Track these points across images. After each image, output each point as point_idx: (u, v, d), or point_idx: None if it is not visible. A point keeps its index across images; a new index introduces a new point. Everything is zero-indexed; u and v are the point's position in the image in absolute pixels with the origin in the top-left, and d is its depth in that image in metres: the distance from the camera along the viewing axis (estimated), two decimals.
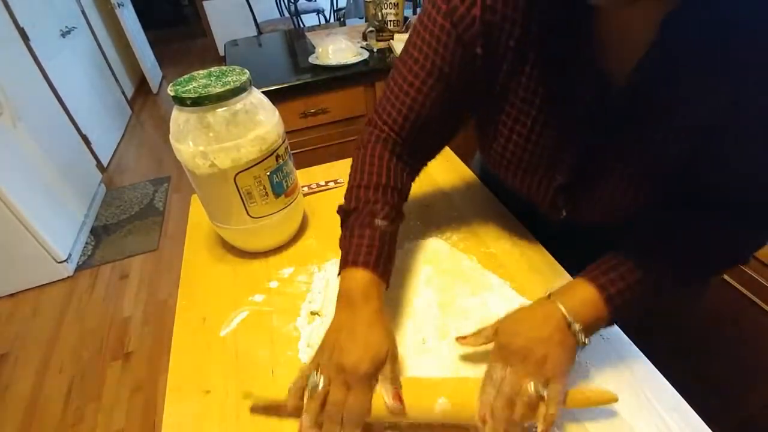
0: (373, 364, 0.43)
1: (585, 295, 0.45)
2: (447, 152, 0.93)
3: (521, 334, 0.44)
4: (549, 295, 0.47)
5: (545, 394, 0.40)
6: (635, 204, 0.50)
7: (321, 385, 0.43)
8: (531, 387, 0.41)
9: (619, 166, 0.48)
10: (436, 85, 0.50)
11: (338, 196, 0.60)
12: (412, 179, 0.60)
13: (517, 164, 0.55)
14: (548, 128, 0.49)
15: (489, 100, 0.52)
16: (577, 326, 0.43)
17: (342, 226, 0.54)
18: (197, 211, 0.80)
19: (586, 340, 0.43)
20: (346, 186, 0.57)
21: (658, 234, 0.47)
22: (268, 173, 0.61)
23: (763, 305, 0.89)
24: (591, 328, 0.44)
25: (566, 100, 0.47)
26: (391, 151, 0.56)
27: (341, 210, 0.55)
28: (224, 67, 0.61)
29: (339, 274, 0.49)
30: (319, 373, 0.44)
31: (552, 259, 0.64)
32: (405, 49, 0.53)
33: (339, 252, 0.51)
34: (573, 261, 0.60)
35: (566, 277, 0.61)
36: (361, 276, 0.47)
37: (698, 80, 0.39)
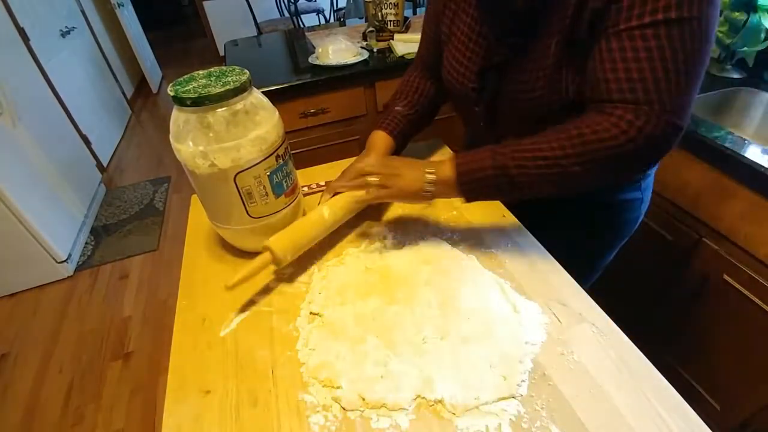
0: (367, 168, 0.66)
1: (445, 162, 0.61)
2: (447, 153, 0.93)
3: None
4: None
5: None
6: (537, 100, 0.61)
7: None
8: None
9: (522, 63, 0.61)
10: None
11: None
12: (435, 84, 0.82)
13: (453, 60, 0.71)
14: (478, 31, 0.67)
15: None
16: (430, 177, 0.60)
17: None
18: (197, 211, 0.80)
19: (430, 188, 0.60)
20: None
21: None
22: (268, 173, 0.61)
23: (763, 305, 0.89)
24: (441, 183, 0.60)
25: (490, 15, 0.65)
26: (415, 70, 0.84)
27: (383, 106, 0.84)
28: (224, 67, 0.61)
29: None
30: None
31: (552, 259, 0.65)
32: None
33: (339, 253, 0.60)
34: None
35: (566, 277, 0.61)
36: (378, 135, 0.77)
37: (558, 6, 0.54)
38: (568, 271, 0.62)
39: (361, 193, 0.65)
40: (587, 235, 0.80)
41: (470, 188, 0.59)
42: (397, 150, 0.79)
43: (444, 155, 0.92)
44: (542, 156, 0.53)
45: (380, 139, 0.76)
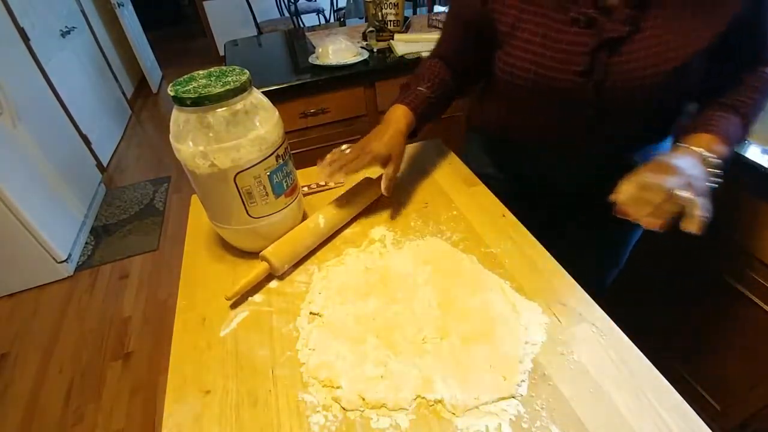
0: (384, 150, 0.68)
1: (709, 139, 0.60)
2: (447, 152, 0.93)
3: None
4: (679, 147, 0.60)
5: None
6: (662, 76, 0.59)
7: (344, 148, 0.69)
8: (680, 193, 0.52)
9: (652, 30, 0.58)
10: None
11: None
12: (455, 76, 0.80)
13: (537, 62, 0.64)
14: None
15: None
16: (709, 157, 0.58)
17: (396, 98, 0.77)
18: (197, 211, 0.80)
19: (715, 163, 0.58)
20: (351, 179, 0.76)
21: (723, 97, 0.64)
22: (268, 173, 0.61)
23: (763, 305, 0.89)
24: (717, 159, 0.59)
25: None
26: (435, 59, 0.80)
27: (399, 87, 0.79)
28: (224, 67, 0.61)
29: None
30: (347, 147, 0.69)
31: (552, 258, 0.65)
32: None
33: (339, 253, 0.53)
34: (581, 234, 0.77)
35: (566, 277, 0.61)
36: (399, 109, 0.73)
37: None
38: (595, 264, 0.65)
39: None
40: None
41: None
42: (414, 132, 0.77)
43: (444, 156, 0.92)
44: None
45: (402, 115, 0.73)
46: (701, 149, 0.58)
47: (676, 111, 0.71)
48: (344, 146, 0.69)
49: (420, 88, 0.76)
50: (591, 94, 0.63)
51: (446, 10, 0.77)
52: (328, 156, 0.69)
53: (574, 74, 0.62)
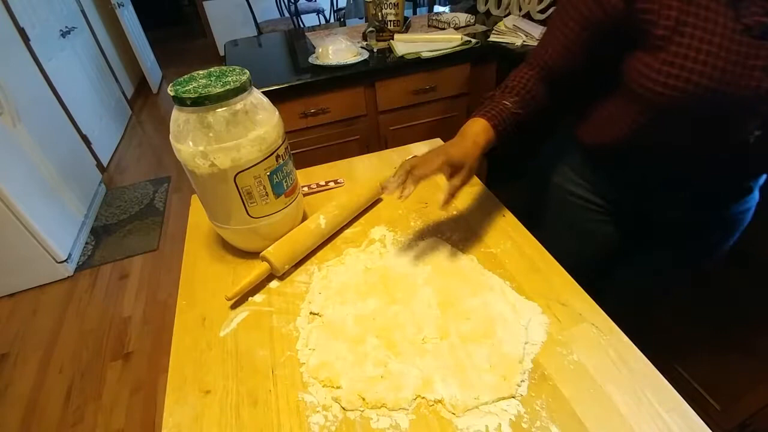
0: (460, 155, 0.60)
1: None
2: None
3: None
4: None
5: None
6: None
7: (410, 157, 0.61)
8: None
9: None
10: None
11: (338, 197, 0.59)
12: (552, 89, 0.69)
13: (707, 74, 0.52)
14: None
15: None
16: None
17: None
18: (197, 211, 0.80)
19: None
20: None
21: None
22: (268, 173, 0.61)
23: (763, 305, 0.89)
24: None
25: None
26: (531, 69, 0.68)
27: (485, 98, 0.70)
28: (224, 67, 0.61)
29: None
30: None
31: (552, 259, 0.64)
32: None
33: (339, 253, 0.52)
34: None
35: (566, 278, 0.61)
36: (479, 122, 0.64)
37: None
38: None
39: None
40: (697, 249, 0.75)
41: None
42: (494, 149, 0.67)
43: None
44: None
45: (482, 130, 0.63)
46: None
47: None
48: (410, 156, 0.63)
49: (506, 102, 0.66)
50: (760, 115, 0.53)
51: (444, 9, 0.72)
52: (393, 176, 0.61)
53: (747, 91, 0.51)
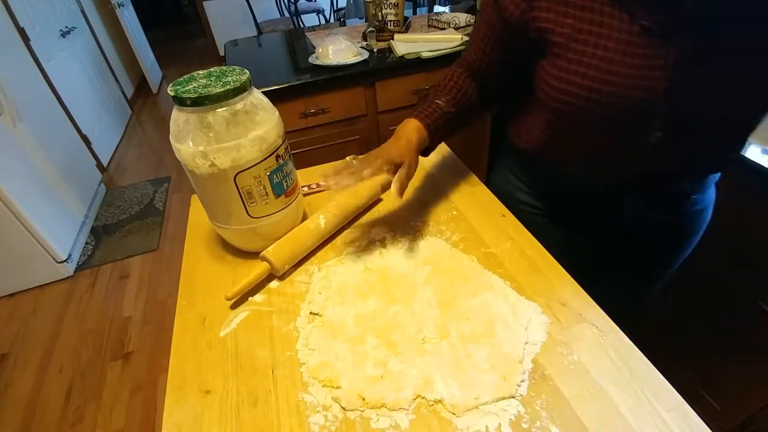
0: (397, 154, 0.63)
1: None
2: (447, 152, 0.93)
3: None
4: None
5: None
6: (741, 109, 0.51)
7: (349, 159, 0.63)
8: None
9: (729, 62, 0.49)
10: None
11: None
12: (479, 90, 0.72)
13: (600, 79, 0.53)
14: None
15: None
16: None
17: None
18: (197, 211, 0.80)
19: None
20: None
21: None
22: (268, 173, 0.61)
23: (763, 305, 0.89)
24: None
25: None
26: (459, 67, 0.72)
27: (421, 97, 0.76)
28: (224, 67, 0.61)
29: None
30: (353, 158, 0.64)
31: (552, 258, 0.64)
32: None
33: (339, 253, 0.52)
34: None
35: (566, 278, 0.61)
36: (411, 122, 0.68)
37: None
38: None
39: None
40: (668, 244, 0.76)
41: None
42: (428, 149, 0.72)
43: (444, 156, 0.92)
44: None
45: (414, 129, 0.67)
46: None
47: (747, 134, 0.57)
48: (348, 157, 0.65)
49: (438, 101, 0.69)
50: (661, 116, 0.53)
51: (444, 9, 0.73)
52: (332, 165, 0.65)
53: (647, 92, 0.52)
